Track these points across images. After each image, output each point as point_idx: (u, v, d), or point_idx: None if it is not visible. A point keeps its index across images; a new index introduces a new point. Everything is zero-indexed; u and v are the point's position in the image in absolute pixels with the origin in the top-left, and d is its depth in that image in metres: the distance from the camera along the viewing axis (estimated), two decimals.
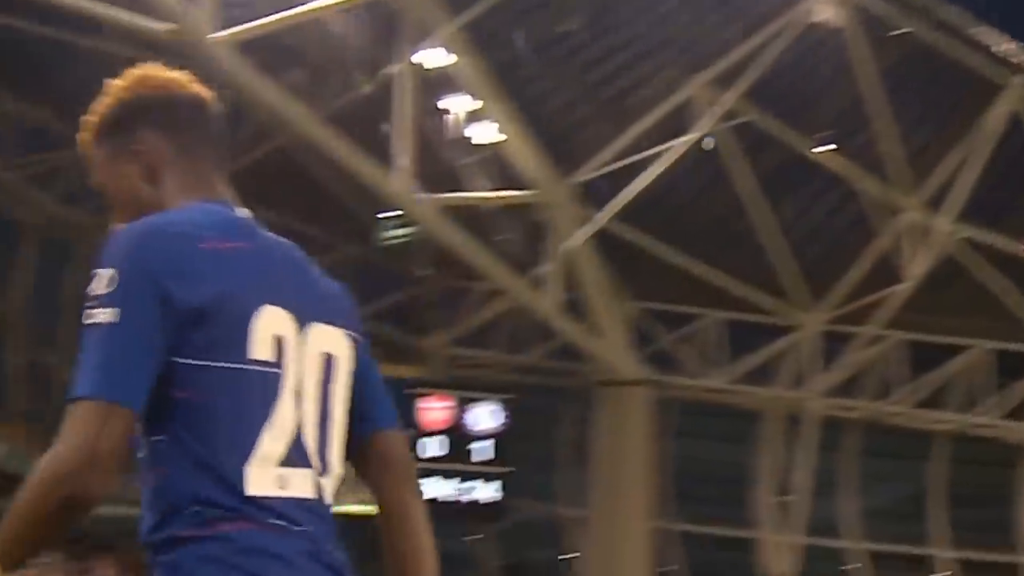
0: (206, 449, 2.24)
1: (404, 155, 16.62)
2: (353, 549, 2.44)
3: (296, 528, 2.28)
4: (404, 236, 20.56)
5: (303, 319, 2.38)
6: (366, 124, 17.37)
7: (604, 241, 19.23)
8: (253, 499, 2.25)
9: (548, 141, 18.16)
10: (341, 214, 22.07)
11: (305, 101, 17.04)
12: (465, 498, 34.17)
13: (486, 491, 34.04)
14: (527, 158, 18.16)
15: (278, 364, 2.32)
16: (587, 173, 18.73)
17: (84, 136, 2.55)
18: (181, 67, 2.65)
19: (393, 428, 2.62)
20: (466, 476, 34.22)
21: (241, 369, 2.28)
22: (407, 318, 26.58)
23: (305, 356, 2.37)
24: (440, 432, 34.47)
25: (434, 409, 34.17)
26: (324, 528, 2.35)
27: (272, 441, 2.29)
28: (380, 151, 17.13)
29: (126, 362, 2.19)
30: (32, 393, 51.59)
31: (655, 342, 22.05)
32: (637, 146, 18.32)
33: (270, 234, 2.48)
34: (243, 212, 2.47)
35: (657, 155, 18.21)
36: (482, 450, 33.44)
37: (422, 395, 33.10)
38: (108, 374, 2.18)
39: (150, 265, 2.24)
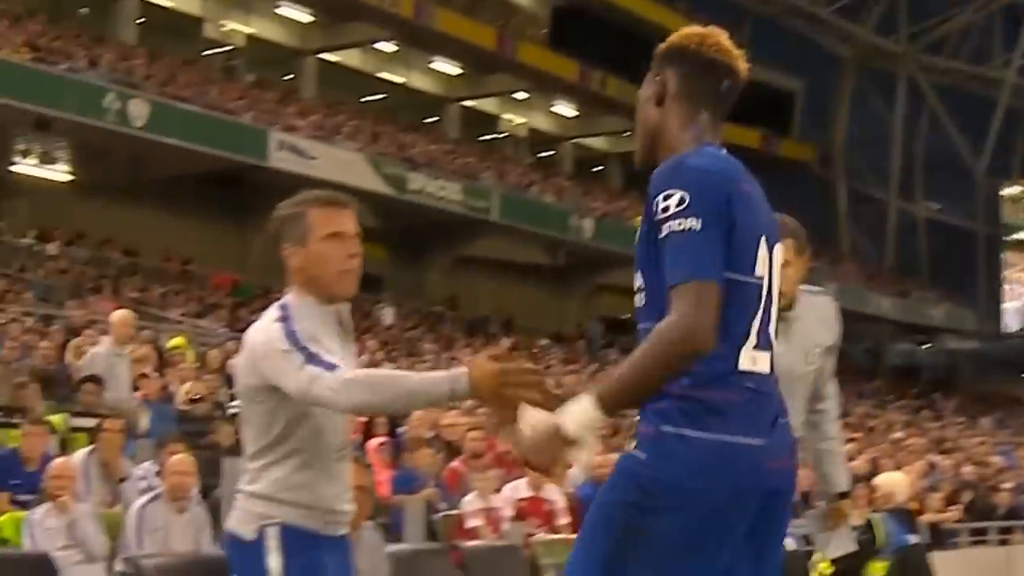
0: (720, 337, 3.14)
1: None
2: None
3: (761, 393, 3.23)
4: None
5: (772, 241, 3.33)
6: None
7: None
8: (741, 372, 3.21)
9: None
10: None
11: None
12: None
13: None
14: None
15: (764, 278, 3.28)
16: None
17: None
18: None
19: None
20: None
21: (748, 282, 3.23)
22: None
23: (773, 270, 3.33)
24: None
25: None
26: (775, 392, 3.31)
27: (753, 332, 3.24)
28: None
29: (711, 252, 3.12)
30: (863, 229, 53.22)
31: None
32: None
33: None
34: (723, 152, 3.35)
35: None
36: None
37: None
38: (700, 261, 3.11)
39: (714, 191, 3.17)
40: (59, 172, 30.80)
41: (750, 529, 3.20)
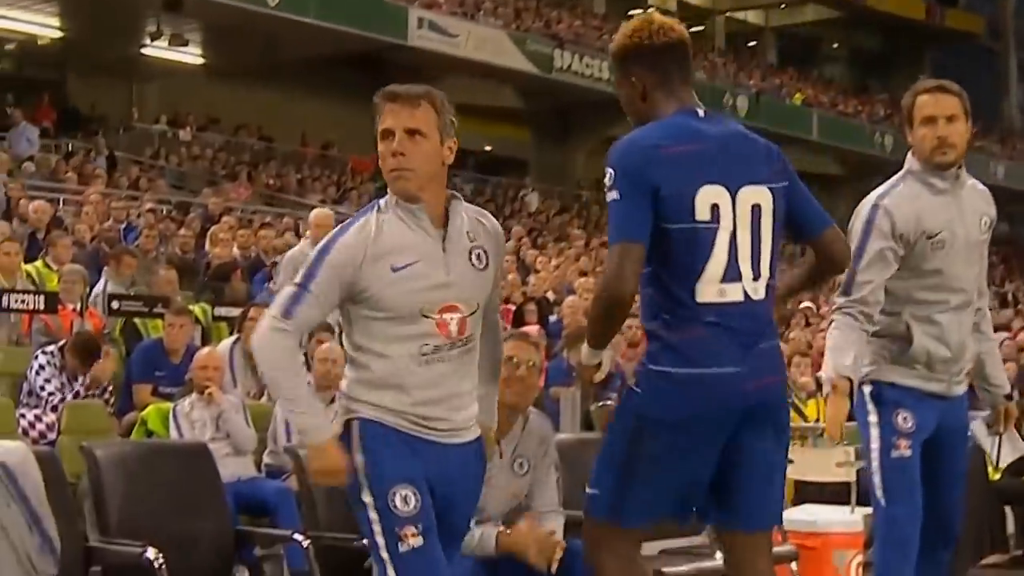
0: (672, 277, 3.87)
1: None
2: None
3: (728, 327, 3.86)
4: None
5: (734, 186, 3.90)
6: None
7: None
8: (701, 305, 3.85)
9: None
10: None
11: None
12: None
13: None
14: None
15: (714, 221, 3.85)
16: None
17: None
18: None
19: (828, 226, 4.17)
20: None
21: (690, 227, 3.84)
22: None
23: (737, 211, 3.88)
24: None
25: None
26: (751, 320, 3.91)
27: (713, 267, 3.85)
28: None
29: (631, 217, 3.82)
30: None
31: None
32: None
33: (716, 125, 3.99)
34: (700, 112, 3.99)
35: None
36: None
37: None
38: (623, 226, 3.84)
39: (632, 164, 3.85)
40: (190, 55, 31.02)
41: (734, 442, 3.92)
